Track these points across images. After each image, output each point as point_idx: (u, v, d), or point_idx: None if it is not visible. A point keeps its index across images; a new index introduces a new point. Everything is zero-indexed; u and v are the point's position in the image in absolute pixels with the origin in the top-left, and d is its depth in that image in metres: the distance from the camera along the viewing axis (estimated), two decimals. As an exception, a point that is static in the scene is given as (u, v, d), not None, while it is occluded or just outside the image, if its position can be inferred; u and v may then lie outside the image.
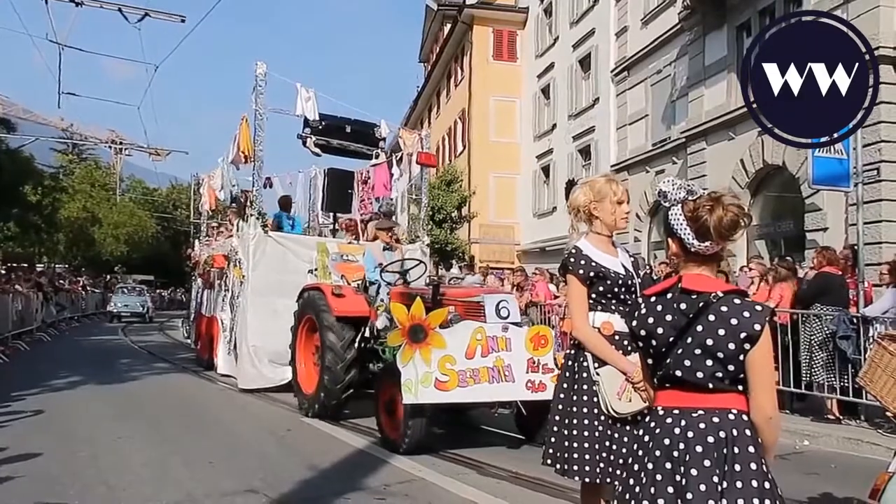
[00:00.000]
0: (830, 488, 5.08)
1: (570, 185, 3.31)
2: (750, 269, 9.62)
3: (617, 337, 3.04)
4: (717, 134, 15.52)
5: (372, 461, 5.80)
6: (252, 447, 6.35)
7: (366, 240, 10.74)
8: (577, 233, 3.20)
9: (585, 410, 2.96)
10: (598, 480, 2.92)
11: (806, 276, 8.93)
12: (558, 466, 3.02)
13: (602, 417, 2.93)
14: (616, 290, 3.08)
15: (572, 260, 3.07)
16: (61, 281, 26.67)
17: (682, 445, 1.95)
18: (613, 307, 3.09)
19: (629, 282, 3.11)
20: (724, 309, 1.96)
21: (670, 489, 1.93)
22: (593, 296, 3.08)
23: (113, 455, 5.88)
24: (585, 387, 2.99)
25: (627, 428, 2.89)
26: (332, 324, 7.34)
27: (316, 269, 9.52)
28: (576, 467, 2.93)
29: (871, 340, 7.27)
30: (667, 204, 2.14)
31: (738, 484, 1.88)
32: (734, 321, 1.94)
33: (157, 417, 7.75)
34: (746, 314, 1.95)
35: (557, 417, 3.06)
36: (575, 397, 3.01)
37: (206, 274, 13.61)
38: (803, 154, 10.35)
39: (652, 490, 1.95)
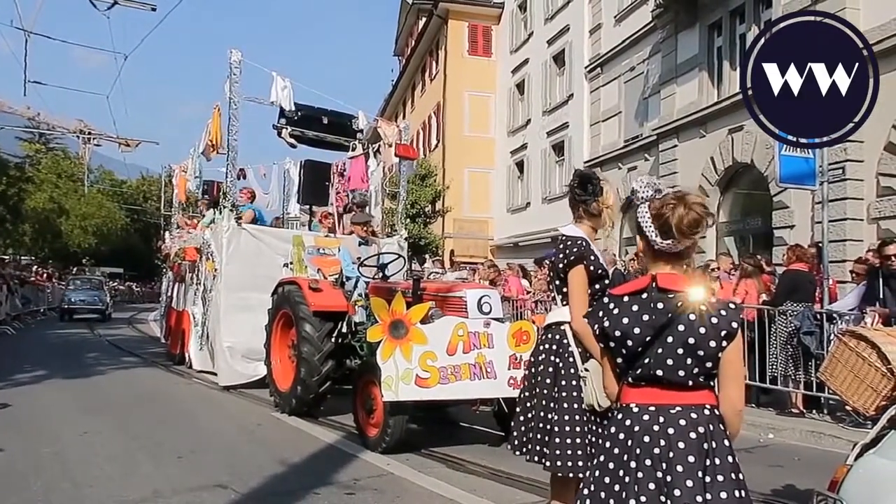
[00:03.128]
0: (793, 480, 5.18)
1: (595, 181, 3.28)
2: (718, 268, 9.75)
3: None
4: (688, 131, 15.71)
5: (342, 456, 5.79)
6: (221, 442, 6.31)
7: (343, 233, 10.67)
8: (608, 234, 3.29)
9: (576, 406, 2.97)
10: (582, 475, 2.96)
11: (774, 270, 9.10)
12: (547, 463, 3.00)
13: (587, 412, 2.96)
14: (606, 289, 3.13)
15: (584, 253, 3.09)
16: (27, 273, 26.14)
17: (662, 442, 1.97)
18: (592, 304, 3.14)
19: (608, 280, 3.20)
20: (703, 307, 2.00)
21: (652, 486, 1.95)
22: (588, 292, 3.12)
23: (79, 450, 5.80)
24: (574, 382, 3.00)
25: (604, 422, 2.93)
26: (309, 315, 7.25)
27: (291, 263, 9.43)
28: (570, 463, 2.93)
29: (833, 336, 7.43)
30: (637, 202, 2.18)
31: (720, 477, 1.94)
32: (714, 319, 1.98)
33: (125, 412, 7.65)
34: (724, 312, 1.99)
35: (542, 413, 3.05)
36: (564, 393, 3.01)
37: (176, 267, 13.44)
38: (771, 152, 10.52)
39: (636, 488, 1.97)
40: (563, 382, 3.03)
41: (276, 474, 5.14)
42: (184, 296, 12.57)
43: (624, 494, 1.99)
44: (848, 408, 4.85)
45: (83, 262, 47.26)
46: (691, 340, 1.98)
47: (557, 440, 2.96)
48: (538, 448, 3.04)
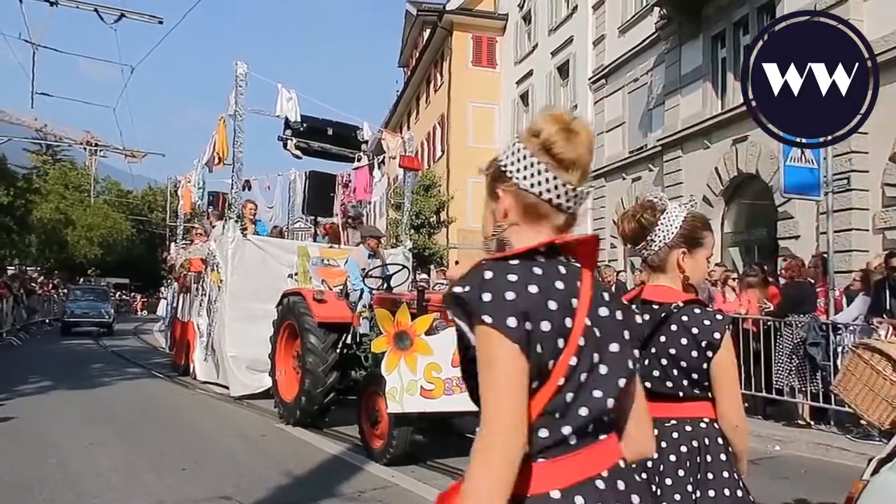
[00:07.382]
0: (803, 494, 5.14)
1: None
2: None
3: None
4: (692, 142, 15.69)
5: (346, 467, 5.77)
6: (225, 453, 6.29)
7: (344, 244, 10.68)
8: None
9: None
10: None
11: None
12: None
13: None
14: None
15: None
16: (33, 284, 26.20)
17: (655, 455, 1.95)
18: None
19: None
20: (684, 318, 1.98)
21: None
22: None
23: (83, 461, 5.78)
24: None
25: None
26: (314, 327, 7.25)
27: (296, 274, 9.43)
28: None
29: (841, 347, 7.39)
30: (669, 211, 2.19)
31: (711, 493, 1.90)
32: (695, 330, 1.95)
33: (129, 423, 7.64)
34: (707, 322, 1.96)
35: None
36: None
37: (182, 278, 13.46)
38: (776, 163, 10.50)
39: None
40: None
41: (280, 486, 5.12)
42: (189, 307, 12.58)
43: None
44: (863, 422, 4.80)
45: (89, 272, 47.39)
46: (672, 351, 1.96)
47: None
48: None
